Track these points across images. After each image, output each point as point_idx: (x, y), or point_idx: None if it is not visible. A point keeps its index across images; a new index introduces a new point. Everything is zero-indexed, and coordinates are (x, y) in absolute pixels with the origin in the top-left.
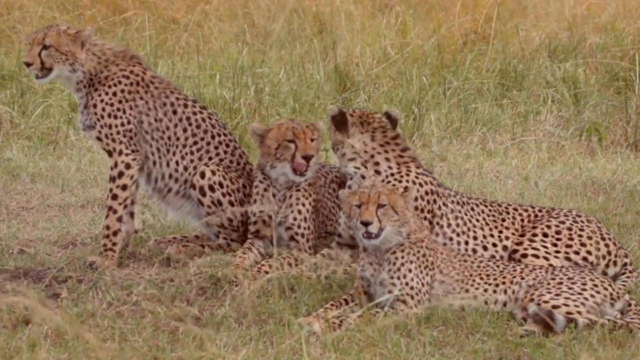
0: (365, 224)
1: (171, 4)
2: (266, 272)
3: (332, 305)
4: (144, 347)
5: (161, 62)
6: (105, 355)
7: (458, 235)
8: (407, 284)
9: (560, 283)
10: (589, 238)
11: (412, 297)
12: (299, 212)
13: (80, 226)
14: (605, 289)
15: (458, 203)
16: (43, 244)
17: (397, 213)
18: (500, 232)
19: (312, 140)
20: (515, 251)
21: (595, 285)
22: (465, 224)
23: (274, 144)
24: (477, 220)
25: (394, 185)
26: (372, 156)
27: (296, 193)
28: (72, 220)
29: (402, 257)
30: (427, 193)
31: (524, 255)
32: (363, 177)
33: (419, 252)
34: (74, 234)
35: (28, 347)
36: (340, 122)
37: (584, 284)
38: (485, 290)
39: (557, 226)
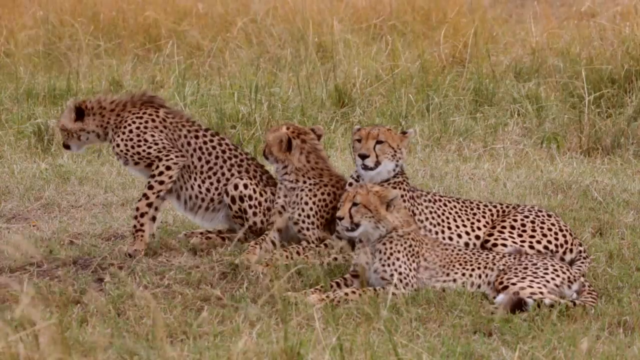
0: (338, 218)
1: (197, 34)
2: (277, 260)
3: (330, 285)
4: (175, 323)
5: (188, 83)
6: (142, 330)
7: (435, 226)
8: (396, 270)
9: (526, 268)
10: (549, 230)
11: (401, 281)
12: (303, 209)
13: (120, 222)
14: (564, 272)
15: (430, 201)
16: (89, 237)
17: (370, 211)
18: (472, 223)
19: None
20: (486, 241)
21: (555, 270)
22: (439, 216)
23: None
24: (450, 214)
25: (385, 187)
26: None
27: (300, 193)
28: (113, 216)
29: (391, 248)
30: (410, 198)
31: (495, 245)
32: None
33: (405, 242)
34: (115, 228)
35: (77, 324)
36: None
37: (546, 269)
38: (463, 274)
39: (523, 220)
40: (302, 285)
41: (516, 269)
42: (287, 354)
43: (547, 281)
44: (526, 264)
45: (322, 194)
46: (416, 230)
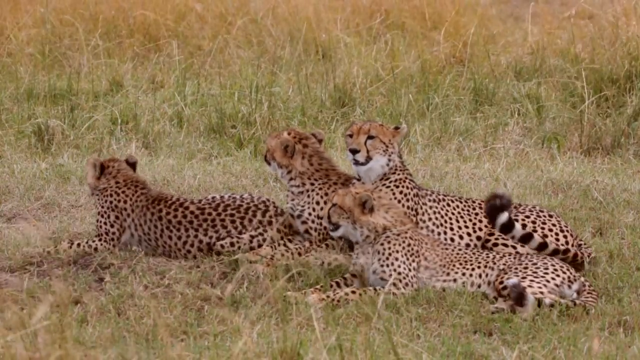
0: (320, 217)
1: (197, 33)
2: (277, 260)
3: (330, 284)
4: (175, 323)
5: (189, 83)
6: (142, 330)
7: (437, 227)
8: (395, 270)
9: (526, 268)
10: (550, 230)
11: (400, 281)
12: (313, 209)
13: None
14: (564, 272)
15: (434, 200)
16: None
17: (345, 212)
18: (474, 224)
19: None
20: (487, 240)
21: (556, 270)
22: (442, 217)
23: None
24: (453, 214)
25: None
26: None
27: (311, 193)
28: None
29: (389, 248)
30: (414, 196)
31: (495, 244)
32: None
33: (404, 242)
34: None
35: (77, 323)
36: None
37: (546, 269)
38: (464, 274)
39: (524, 220)
40: (303, 285)
41: (516, 268)
42: (287, 354)
43: (547, 281)
44: (526, 264)
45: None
46: (414, 228)
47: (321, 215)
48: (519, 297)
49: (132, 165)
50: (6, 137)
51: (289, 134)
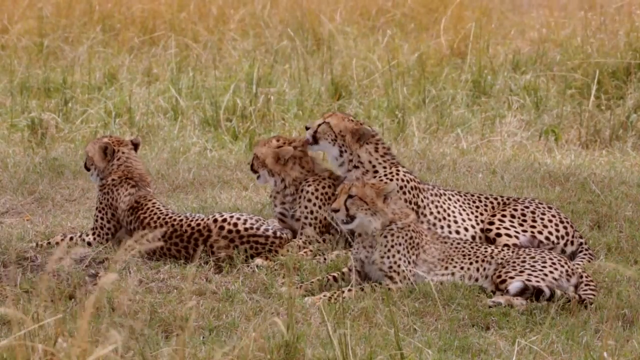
0: (333, 210)
1: (193, 25)
2: (275, 254)
3: (327, 279)
4: (170, 318)
5: (184, 75)
6: (137, 324)
7: (440, 220)
8: (395, 262)
9: (524, 261)
10: (550, 221)
11: (398, 274)
12: (306, 207)
13: None
14: (562, 266)
15: (436, 195)
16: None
17: (366, 203)
18: (477, 216)
19: None
20: (488, 230)
21: (554, 263)
22: (444, 211)
23: None
24: (455, 208)
25: (381, 180)
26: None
27: (301, 193)
28: None
29: (392, 241)
30: (412, 188)
31: (498, 235)
32: None
33: (406, 235)
34: None
35: (71, 318)
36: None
37: (544, 262)
38: (462, 268)
39: (523, 210)
40: (300, 280)
41: (514, 262)
42: (286, 349)
43: (545, 274)
44: (524, 258)
45: (324, 187)
46: (415, 220)
47: (315, 210)
48: (527, 293)
49: (135, 146)
50: (0, 130)
51: (277, 140)
